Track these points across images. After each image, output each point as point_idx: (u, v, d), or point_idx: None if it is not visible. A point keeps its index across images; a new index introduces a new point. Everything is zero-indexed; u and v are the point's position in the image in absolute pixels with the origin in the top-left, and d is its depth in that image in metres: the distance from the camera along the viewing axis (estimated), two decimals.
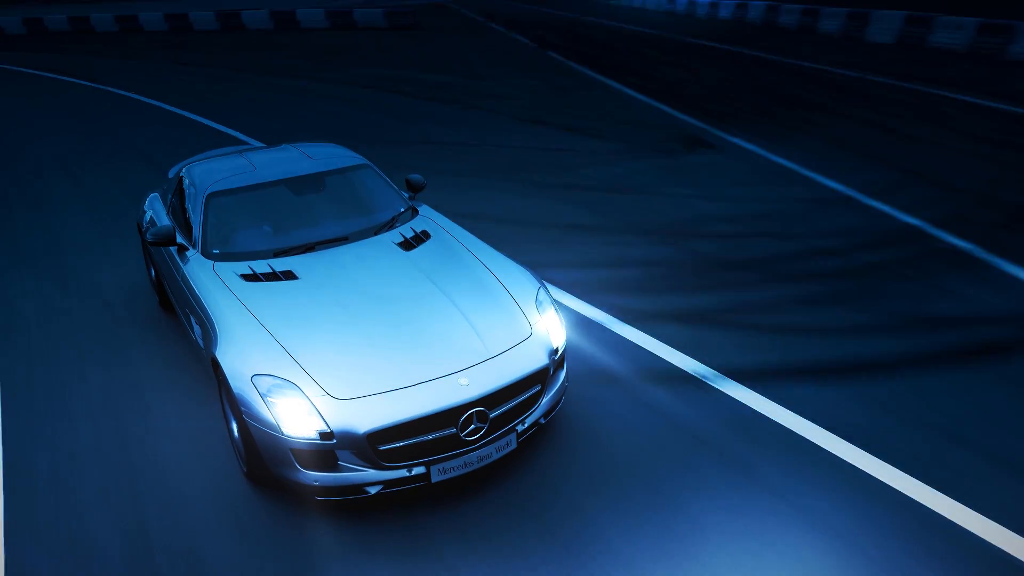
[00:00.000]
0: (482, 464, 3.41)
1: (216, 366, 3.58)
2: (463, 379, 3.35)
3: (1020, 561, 3.09)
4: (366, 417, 3.18)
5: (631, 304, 5.43)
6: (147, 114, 13.25)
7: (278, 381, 3.28)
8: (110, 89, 15.80)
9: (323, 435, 3.18)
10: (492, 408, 3.38)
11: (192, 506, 3.52)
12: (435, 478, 3.31)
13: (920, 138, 10.33)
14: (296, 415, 3.21)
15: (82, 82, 16.98)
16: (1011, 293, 5.58)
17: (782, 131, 10.82)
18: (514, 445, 3.51)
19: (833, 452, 3.78)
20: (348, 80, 16.14)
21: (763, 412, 4.12)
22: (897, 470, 3.61)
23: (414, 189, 5.09)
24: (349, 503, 3.36)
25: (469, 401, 3.29)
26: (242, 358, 3.43)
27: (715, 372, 4.52)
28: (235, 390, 3.37)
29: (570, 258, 6.29)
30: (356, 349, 3.48)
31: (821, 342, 4.94)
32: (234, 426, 3.66)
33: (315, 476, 3.24)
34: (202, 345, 4.01)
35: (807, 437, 3.90)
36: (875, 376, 4.51)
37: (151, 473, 3.76)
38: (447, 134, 11.26)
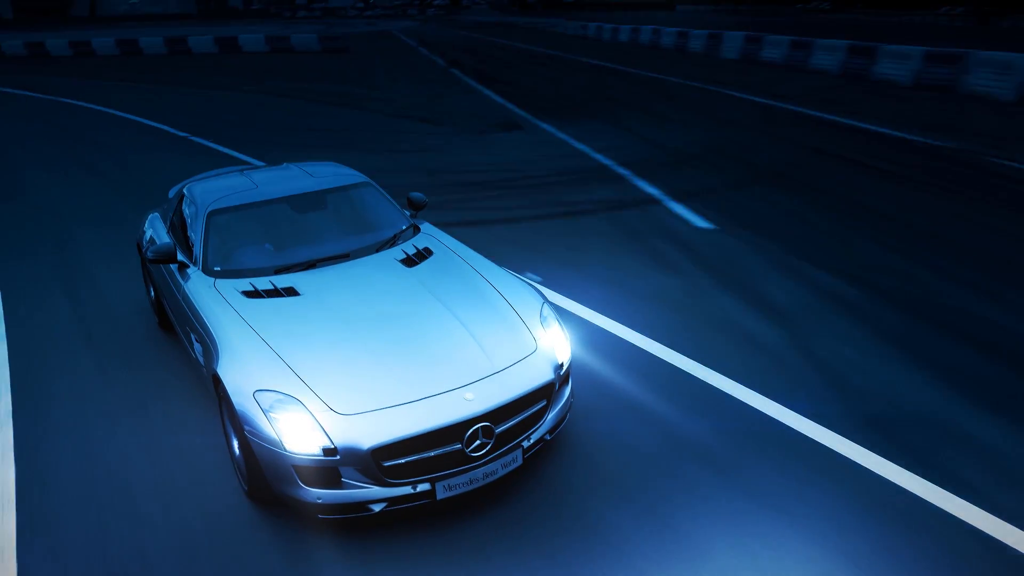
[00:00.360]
0: (488, 481, 3.39)
1: (217, 382, 3.54)
2: (468, 394, 3.34)
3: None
4: (370, 433, 3.16)
5: None
6: (99, 118, 16.39)
7: (280, 396, 3.25)
8: (67, 101, 18.87)
9: (326, 451, 3.15)
10: (498, 423, 3.37)
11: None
12: (440, 495, 3.27)
13: (679, 121, 13.86)
14: (299, 431, 3.18)
15: (46, 96, 19.99)
16: (621, 191, 8.96)
17: (582, 119, 14.27)
18: (520, 461, 3.50)
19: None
20: (265, 91, 19.49)
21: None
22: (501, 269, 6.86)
23: (416, 207, 5.21)
24: (352, 521, 3.33)
25: (474, 416, 3.28)
26: (244, 374, 3.40)
27: None
28: (237, 406, 3.33)
29: None
30: (359, 364, 3.47)
31: (488, 213, 8.29)
32: (235, 444, 3.61)
33: (318, 493, 3.20)
34: (203, 362, 3.99)
35: None
36: (508, 225, 7.89)
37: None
38: (328, 124, 14.59)
